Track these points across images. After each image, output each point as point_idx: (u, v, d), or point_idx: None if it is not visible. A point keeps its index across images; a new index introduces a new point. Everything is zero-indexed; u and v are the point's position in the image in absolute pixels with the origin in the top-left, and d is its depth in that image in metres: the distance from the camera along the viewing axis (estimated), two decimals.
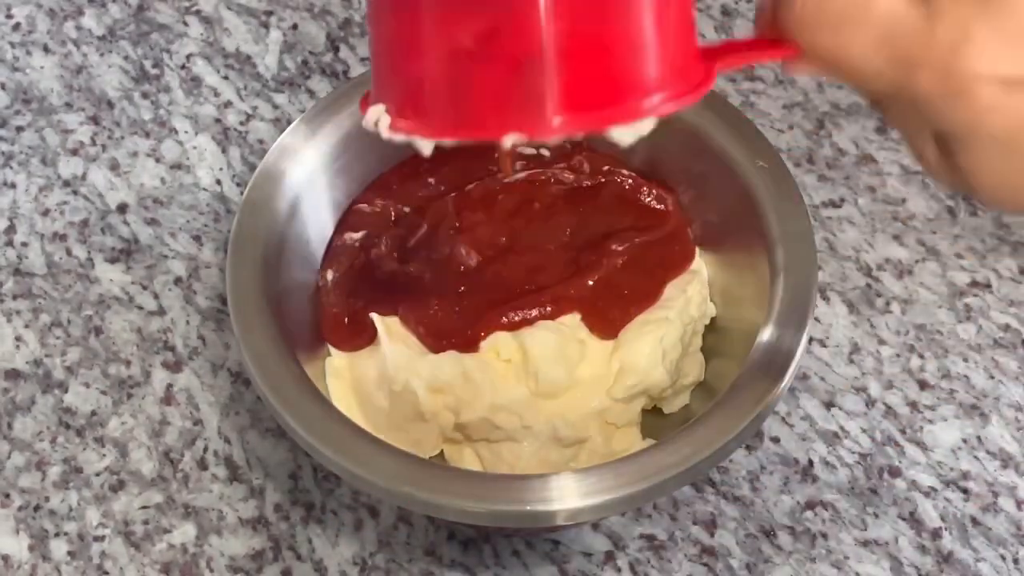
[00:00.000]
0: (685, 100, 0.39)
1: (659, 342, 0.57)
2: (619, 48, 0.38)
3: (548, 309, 0.58)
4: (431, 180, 0.63)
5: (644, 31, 0.38)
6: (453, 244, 0.60)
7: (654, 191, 0.62)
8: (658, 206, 0.62)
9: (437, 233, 0.60)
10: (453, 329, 0.58)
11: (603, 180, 0.62)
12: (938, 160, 0.40)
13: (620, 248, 0.59)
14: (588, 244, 0.60)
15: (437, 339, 0.58)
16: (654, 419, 0.60)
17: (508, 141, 0.38)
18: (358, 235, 0.61)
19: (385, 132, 0.39)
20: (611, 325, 0.58)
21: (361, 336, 0.59)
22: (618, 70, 0.38)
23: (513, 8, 0.37)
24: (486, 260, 0.60)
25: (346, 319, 0.59)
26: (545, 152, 0.63)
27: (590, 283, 0.58)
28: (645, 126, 0.38)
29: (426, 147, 0.39)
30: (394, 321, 0.59)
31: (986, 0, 0.37)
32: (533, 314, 0.58)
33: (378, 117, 0.39)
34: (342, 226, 0.62)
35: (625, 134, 0.38)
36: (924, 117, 0.39)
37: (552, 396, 0.57)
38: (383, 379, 0.58)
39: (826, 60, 0.40)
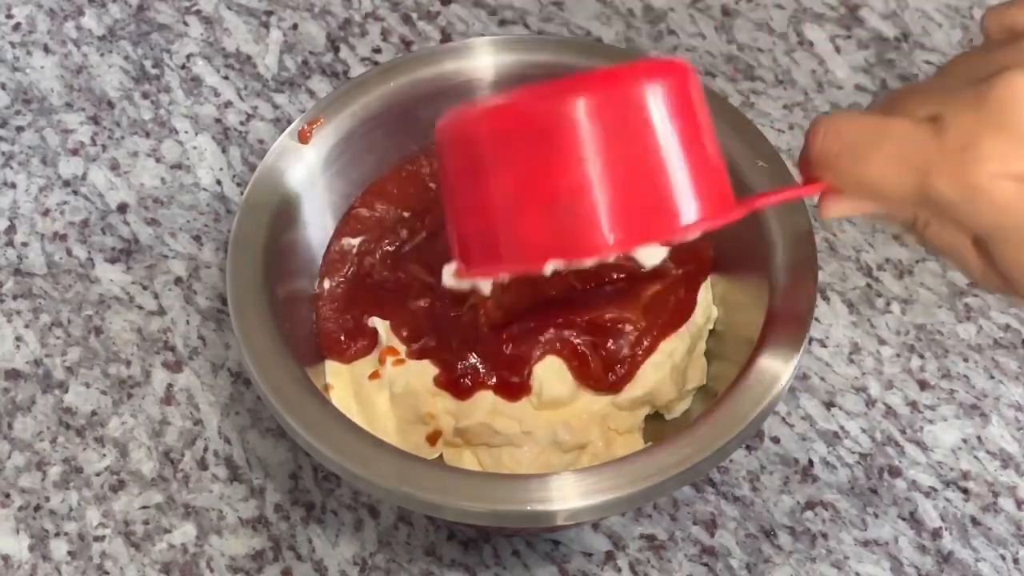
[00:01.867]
0: (715, 221, 0.42)
1: (669, 357, 0.57)
2: (648, 178, 0.42)
3: (539, 352, 0.56)
4: (432, 184, 0.63)
5: (666, 162, 0.42)
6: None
7: None
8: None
9: (436, 242, 0.59)
10: (450, 365, 0.57)
11: None
12: (981, 267, 0.43)
13: (631, 320, 0.58)
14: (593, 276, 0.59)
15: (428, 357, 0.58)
16: (656, 424, 0.59)
17: (549, 268, 0.42)
18: (356, 240, 0.61)
19: (451, 281, 0.46)
20: (604, 382, 0.57)
21: (359, 344, 0.59)
22: (649, 198, 0.42)
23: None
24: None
25: (342, 336, 0.59)
26: None
27: (589, 342, 0.57)
28: (658, 255, 0.43)
29: (486, 286, 0.47)
30: None
31: (988, 109, 0.39)
32: (531, 352, 0.57)
33: (451, 271, 0.46)
34: (341, 230, 0.62)
35: (652, 256, 0.43)
36: (956, 224, 0.41)
37: (554, 409, 0.57)
38: (383, 382, 0.58)
39: (850, 186, 0.43)
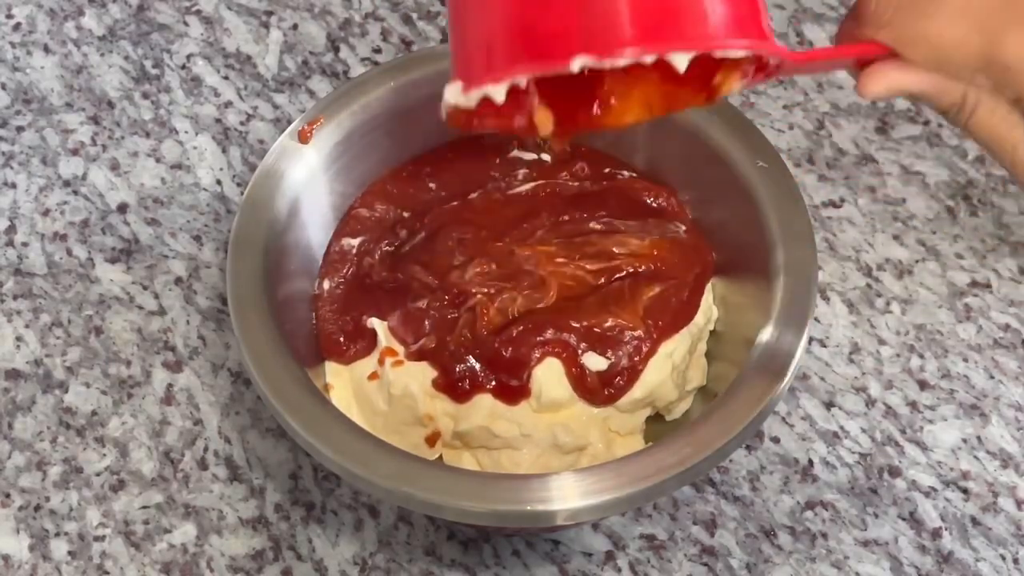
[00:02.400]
0: (751, 43, 0.40)
1: (669, 357, 0.57)
2: None
3: (539, 354, 0.56)
4: (432, 185, 0.63)
5: None
6: (451, 266, 0.58)
7: (660, 196, 0.62)
8: (667, 207, 0.62)
9: (435, 243, 0.59)
10: (449, 367, 0.57)
11: (606, 184, 0.62)
12: None
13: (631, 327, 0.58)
14: (593, 290, 0.58)
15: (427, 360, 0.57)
16: (656, 425, 0.59)
17: (576, 64, 0.38)
18: (356, 241, 0.61)
19: (457, 98, 0.41)
20: (601, 396, 0.57)
21: (358, 346, 0.59)
22: (684, 4, 0.39)
23: None
24: (482, 283, 0.58)
25: (342, 337, 0.59)
26: (546, 157, 0.63)
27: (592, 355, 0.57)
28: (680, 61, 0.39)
29: (498, 93, 0.40)
30: None
31: None
32: (530, 355, 0.56)
33: (455, 90, 0.41)
34: (341, 231, 0.62)
35: (683, 57, 0.39)
36: (1012, 101, 0.39)
37: (553, 411, 0.57)
38: (383, 383, 0.58)
39: (909, 45, 0.40)
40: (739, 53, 0.40)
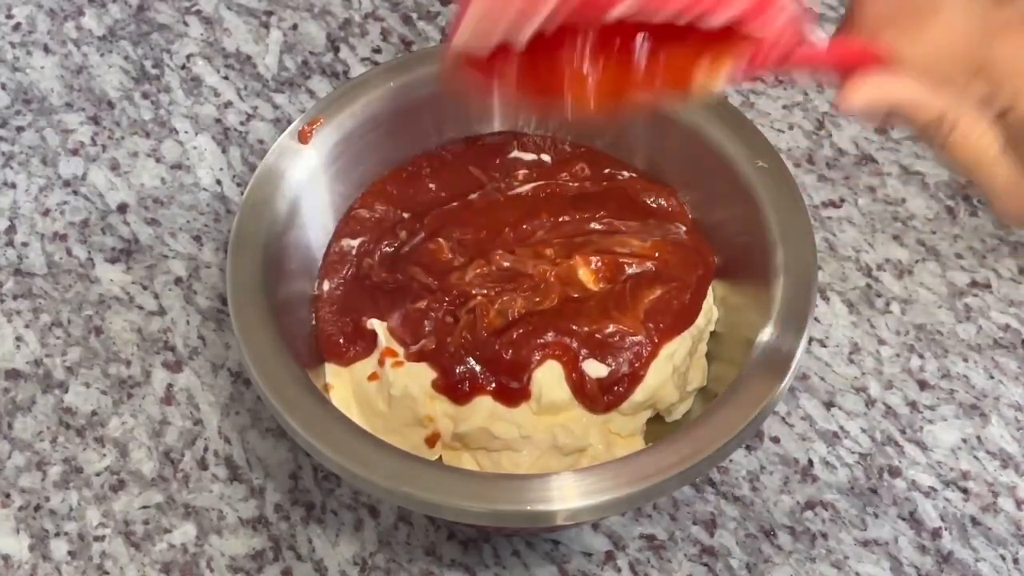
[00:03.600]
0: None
1: (670, 359, 0.57)
2: None
3: (539, 356, 0.56)
4: (432, 185, 0.63)
5: None
6: (451, 267, 0.58)
7: (660, 196, 0.62)
8: (667, 207, 0.62)
9: (435, 244, 0.59)
10: (449, 369, 0.57)
11: (606, 184, 0.62)
12: (1011, 179, 0.40)
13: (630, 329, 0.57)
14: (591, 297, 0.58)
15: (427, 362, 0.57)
16: (656, 426, 0.59)
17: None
18: (356, 242, 0.61)
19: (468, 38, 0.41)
20: (601, 403, 0.57)
21: (358, 348, 0.59)
22: None
23: None
24: (482, 285, 0.58)
25: (341, 339, 0.59)
26: (546, 158, 0.63)
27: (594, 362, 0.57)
28: None
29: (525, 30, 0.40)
30: None
31: None
32: (531, 357, 0.56)
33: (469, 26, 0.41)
34: (341, 231, 0.62)
35: None
36: (995, 116, 0.39)
37: (553, 414, 0.57)
38: (382, 384, 0.58)
39: (905, 45, 0.40)
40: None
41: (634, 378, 0.56)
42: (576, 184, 0.62)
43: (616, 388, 0.56)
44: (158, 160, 0.73)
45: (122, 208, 0.71)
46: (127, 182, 0.72)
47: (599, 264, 0.58)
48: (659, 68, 0.42)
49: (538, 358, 0.56)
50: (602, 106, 0.43)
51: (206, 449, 0.63)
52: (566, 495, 0.50)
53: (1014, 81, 0.39)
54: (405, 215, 0.62)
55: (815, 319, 0.67)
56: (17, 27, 0.78)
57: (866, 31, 0.41)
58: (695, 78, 0.42)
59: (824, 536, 0.61)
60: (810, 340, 0.66)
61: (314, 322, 0.60)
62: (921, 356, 0.66)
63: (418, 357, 0.57)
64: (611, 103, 0.43)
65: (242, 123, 0.74)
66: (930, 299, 0.68)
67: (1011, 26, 0.39)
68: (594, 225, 0.60)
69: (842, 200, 0.71)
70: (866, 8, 0.41)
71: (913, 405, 0.64)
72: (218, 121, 0.74)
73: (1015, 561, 0.60)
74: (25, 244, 0.70)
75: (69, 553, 0.60)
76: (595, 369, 0.56)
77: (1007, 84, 0.39)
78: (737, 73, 0.42)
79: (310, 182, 0.60)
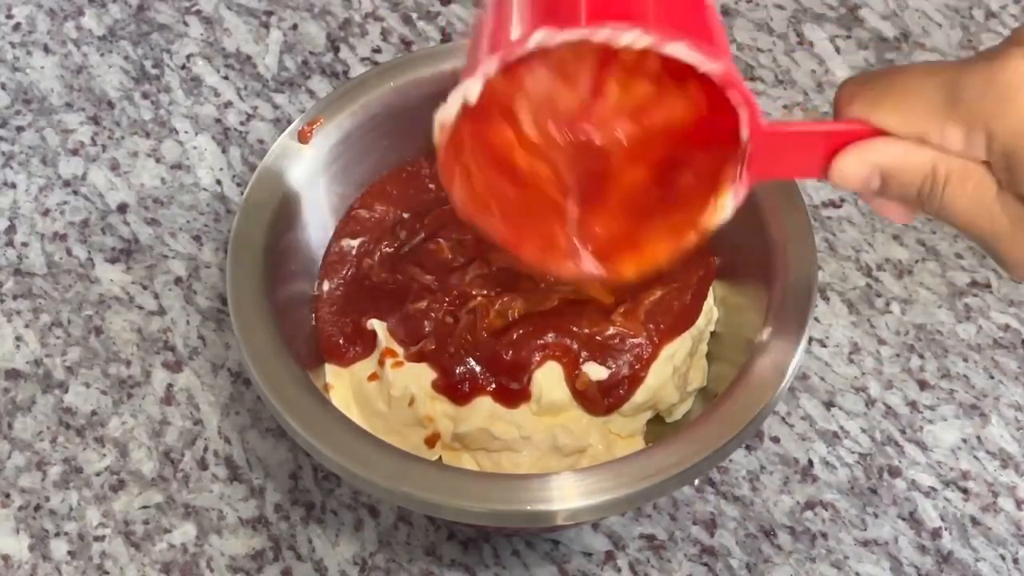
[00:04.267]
0: (701, 51, 0.41)
1: (670, 360, 0.57)
2: None
3: (539, 357, 0.56)
4: (432, 186, 0.63)
5: None
6: (451, 268, 0.58)
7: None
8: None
9: (435, 244, 0.59)
10: (449, 369, 0.57)
11: None
12: (1005, 227, 0.40)
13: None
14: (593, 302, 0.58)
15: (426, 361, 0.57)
16: (657, 426, 0.59)
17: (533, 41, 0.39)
18: (356, 242, 0.61)
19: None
20: (601, 406, 0.57)
21: (358, 348, 0.59)
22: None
23: None
24: (482, 285, 0.58)
25: (341, 340, 0.59)
26: None
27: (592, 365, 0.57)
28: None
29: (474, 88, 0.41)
30: None
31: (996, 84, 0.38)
32: (531, 358, 0.56)
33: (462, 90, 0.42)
34: (341, 231, 0.61)
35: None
36: (987, 164, 0.40)
37: (553, 414, 0.57)
38: (382, 384, 0.58)
39: (878, 101, 0.41)
40: (680, 55, 0.41)
41: (634, 380, 0.56)
42: None
43: (616, 391, 0.56)
44: (158, 160, 0.73)
45: (122, 208, 0.71)
46: (127, 182, 0.72)
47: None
48: (664, 226, 0.44)
49: (538, 359, 0.56)
50: (615, 273, 0.45)
51: (206, 449, 0.63)
52: (566, 495, 0.50)
53: (983, 106, 0.39)
54: (405, 215, 0.62)
55: (815, 319, 0.67)
56: (17, 27, 0.78)
57: (844, 111, 0.42)
58: (705, 221, 0.44)
59: (824, 536, 0.61)
60: (810, 340, 0.66)
61: (314, 322, 0.60)
62: (921, 356, 0.66)
63: (418, 357, 0.57)
64: (626, 269, 0.45)
65: (242, 123, 0.74)
66: (930, 299, 0.68)
67: (972, 63, 0.39)
68: None
69: (842, 200, 0.71)
70: (846, 90, 0.42)
71: (913, 405, 0.64)
72: (218, 121, 0.74)
73: (1015, 561, 0.60)
74: (25, 244, 0.70)
75: (69, 553, 0.60)
76: (595, 372, 0.56)
77: (978, 113, 0.39)
78: (741, 195, 0.44)
79: (310, 182, 0.60)
